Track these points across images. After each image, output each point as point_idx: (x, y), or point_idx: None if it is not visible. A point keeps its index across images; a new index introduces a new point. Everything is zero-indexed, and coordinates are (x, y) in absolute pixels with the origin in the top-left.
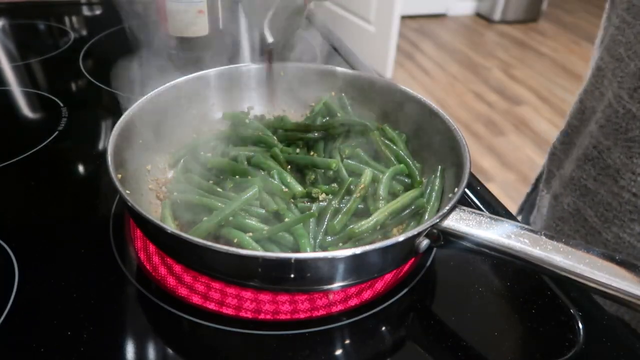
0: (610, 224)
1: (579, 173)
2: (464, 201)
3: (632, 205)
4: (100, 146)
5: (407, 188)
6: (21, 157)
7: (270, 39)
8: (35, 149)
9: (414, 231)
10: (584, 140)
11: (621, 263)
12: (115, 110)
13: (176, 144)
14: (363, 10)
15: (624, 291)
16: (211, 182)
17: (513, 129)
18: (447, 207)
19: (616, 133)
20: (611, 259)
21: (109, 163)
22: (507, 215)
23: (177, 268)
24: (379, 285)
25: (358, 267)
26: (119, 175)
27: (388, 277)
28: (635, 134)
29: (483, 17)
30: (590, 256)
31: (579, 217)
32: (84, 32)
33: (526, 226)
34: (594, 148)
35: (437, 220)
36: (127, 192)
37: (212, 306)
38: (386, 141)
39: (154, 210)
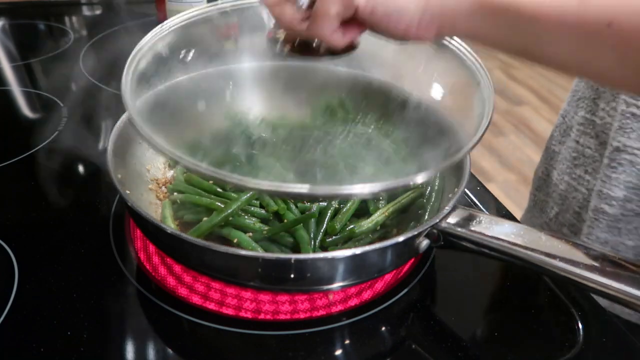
0: (564, 174)
1: (549, 141)
2: (464, 201)
3: (576, 152)
4: (100, 146)
5: (407, 188)
6: (21, 157)
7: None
8: (35, 149)
9: (414, 231)
10: None
11: (620, 263)
12: (115, 110)
13: (176, 144)
14: None
15: (623, 291)
16: (211, 182)
17: (513, 129)
18: (447, 208)
19: (570, 96)
20: (610, 259)
21: (109, 163)
22: (507, 215)
23: (177, 268)
24: (379, 285)
25: (358, 267)
26: (119, 175)
27: (388, 277)
28: (580, 93)
29: None
30: (589, 255)
31: (549, 179)
32: (84, 32)
33: (525, 226)
34: (561, 116)
35: (437, 221)
36: (127, 192)
37: (212, 306)
38: (386, 141)
39: (154, 210)
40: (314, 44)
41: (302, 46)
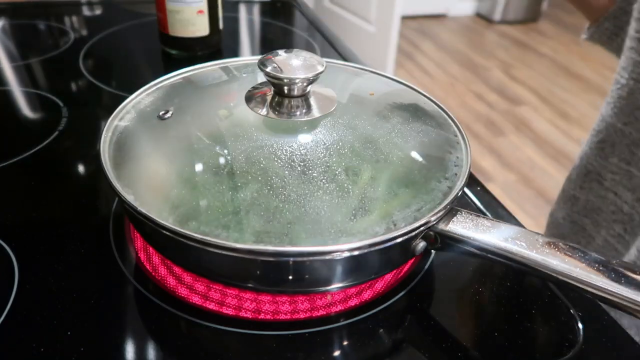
0: (600, 227)
1: (567, 184)
2: (464, 202)
3: (614, 205)
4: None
5: (406, 188)
6: (21, 157)
7: None
8: (35, 149)
9: (411, 234)
10: None
11: (618, 267)
12: (114, 110)
13: (175, 143)
14: (363, 10)
15: (620, 295)
16: (211, 181)
17: (513, 129)
18: (441, 208)
19: (591, 138)
20: (608, 264)
21: (103, 162)
22: (507, 216)
23: (177, 268)
24: (379, 285)
25: (352, 268)
26: (115, 174)
27: (388, 277)
28: (603, 135)
29: (483, 18)
30: (587, 259)
31: (577, 227)
32: (84, 32)
33: (523, 229)
34: (580, 159)
35: (433, 222)
36: (126, 192)
37: (212, 306)
38: (386, 140)
39: (153, 211)
40: (291, 104)
41: (279, 105)
